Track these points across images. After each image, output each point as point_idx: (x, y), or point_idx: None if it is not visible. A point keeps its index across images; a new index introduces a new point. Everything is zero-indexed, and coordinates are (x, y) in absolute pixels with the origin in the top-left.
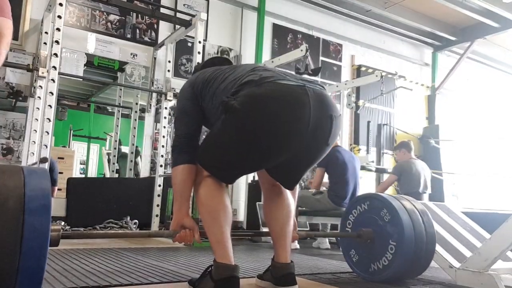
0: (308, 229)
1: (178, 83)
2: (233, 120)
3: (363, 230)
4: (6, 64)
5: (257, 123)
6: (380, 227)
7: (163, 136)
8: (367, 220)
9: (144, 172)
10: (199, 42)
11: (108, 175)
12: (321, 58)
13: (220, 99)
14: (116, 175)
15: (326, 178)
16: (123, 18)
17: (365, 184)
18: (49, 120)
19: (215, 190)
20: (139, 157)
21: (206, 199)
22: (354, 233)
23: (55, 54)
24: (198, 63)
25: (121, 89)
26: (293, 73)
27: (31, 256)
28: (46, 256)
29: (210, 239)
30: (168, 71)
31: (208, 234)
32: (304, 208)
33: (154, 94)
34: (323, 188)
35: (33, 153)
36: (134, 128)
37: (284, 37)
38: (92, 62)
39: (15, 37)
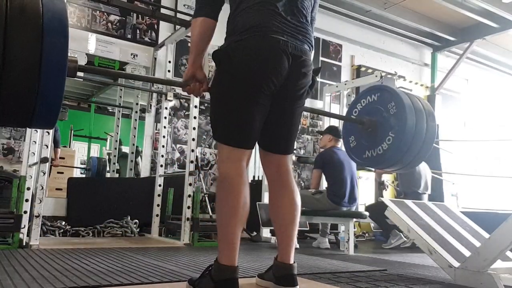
0: (307, 228)
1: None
2: (225, 68)
3: (367, 118)
4: None
5: (244, 67)
6: (384, 118)
7: (163, 136)
8: (373, 110)
9: (144, 172)
10: None
11: (108, 175)
12: (321, 58)
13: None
14: (117, 175)
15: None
16: (124, 18)
17: (365, 184)
18: None
19: (237, 185)
20: (139, 157)
21: (226, 194)
22: (358, 119)
23: None
24: None
25: (121, 89)
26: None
27: (52, 75)
28: (65, 79)
29: (221, 237)
30: (169, 71)
31: (221, 232)
32: (304, 208)
33: (155, 94)
34: (322, 188)
35: (33, 153)
36: (135, 128)
37: None
38: (92, 62)
39: None
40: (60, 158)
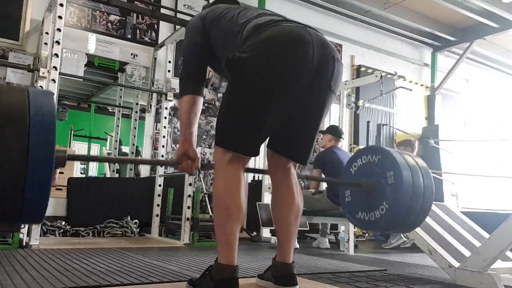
0: (307, 228)
1: (178, 83)
2: (243, 70)
3: (364, 180)
4: (7, 64)
5: (265, 61)
6: (381, 185)
7: (163, 136)
8: (371, 172)
9: (144, 172)
10: None
11: (108, 175)
12: None
13: (228, 38)
14: (117, 175)
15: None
16: (124, 18)
17: None
18: None
19: (235, 185)
20: (139, 157)
21: (223, 194)
22: (355, 182)
23: (56, 55)
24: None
25: (121, 89)
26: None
27: (38, 173)
28: (52, 171)
29: (219, 237)
30: (169, 71)
31: (218, 232)
32: (303, 208)
33: (155, 94)
34: (322, 188)
35: None
36: (135, 128)
37: None
38: (92, 62)
39: (16, 37)
40: None
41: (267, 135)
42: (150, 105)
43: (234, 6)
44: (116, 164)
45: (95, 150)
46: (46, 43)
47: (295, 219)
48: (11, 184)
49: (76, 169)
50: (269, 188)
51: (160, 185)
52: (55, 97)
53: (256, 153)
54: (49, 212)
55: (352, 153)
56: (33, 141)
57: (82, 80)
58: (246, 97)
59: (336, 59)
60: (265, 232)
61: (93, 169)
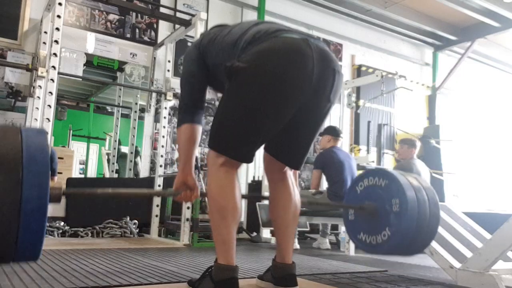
0: (308, 229)
1: (178, 83)
2: (240, 80)
3: (367, 204)
4: (5, 63)
5: (263, 74)
6: (385, 211)
7: (163, 136)
8: (377, 196)
9: (143, 172)
10: None
11: (107, 175)
12: None
13: (225, 52)
14: (116, 175)
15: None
16: (123, 17)
17: None
18: (49, 120)
19: (228, 186)
20: (138, 157)
21: (217, 195)
22: (358, 206)
23: (55, 54)
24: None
25: (120, 89)
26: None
27: (31, 218)
28: (46, 219)
29: (216, 238)
30: (168, 71)
31: (214, 233)
32: (304, 208)
33: (154, 94)
34: (322, 188)
35: None
36: (134, 128)
37: None
38: (91, 61)
39: (14, 36)
40: (59, 158)
41: (262, 143)
42: (150, 105)
43: (229, 24)
44: (115, 164)
45: (94, 150)
46: (44, 43)
47: (293, 219)
48: (4, 231)
49: (75, 170)
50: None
51: (159, 185)
52: (54, 97)
53: (249, 160)
54: (48, 212)
55: (353, 154)
56: (26, 192)
57: (81, 79)
58: (243, 106)
59: (336, 71)
60: (265, 233)
61: (92, 169)
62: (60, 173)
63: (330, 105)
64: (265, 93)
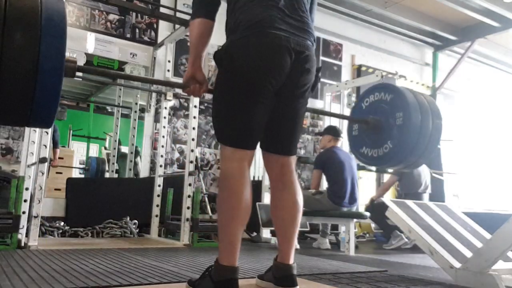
0: (308, 229)
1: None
2: (228, 66)
3: (371, 118)
4: None
5: (246, 64)
6: (388, 124)
7: (163, 136)
8: (382, 111)
9: (143, 172)
10: None
11: (107, 175)
12: (321, 57)
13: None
14: (116, 175)
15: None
16: (123, 17)
17: (366, 184)
18: None
19: (239, 186)
20: (138, 157)
21: (227, 195)
22: (363, 119)
23: None
24: None
25: (120, 89)
26: (288, 12)
27: (48, 74)
28: (62, 79)
29: (222, 238)
30: (168, 71)
31: (221, 233)
32: (304, 208)
33: (154, 94)
34: (322, 188)
35: (32, 153)
36: (134, 128)
37: None
38: (91, 61)
39: None
40: (59, 158)
41: (258, 129)
42: (150, 105)
43: None
44: (116, 164)
45: (94, 150)
46: None
47: (294, 219)
48: (22, 89)
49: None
50: (269, 188)
51: (159, 185)
52: None
53: (252, 146)
54: (47, 212)
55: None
56: (44, 49)
57: (81, 79)
58: (232, 91)
59: (307, 70)
60: (265, 233)
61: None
62: (60, 173)
63: (302, 101)
64: (245, 78)
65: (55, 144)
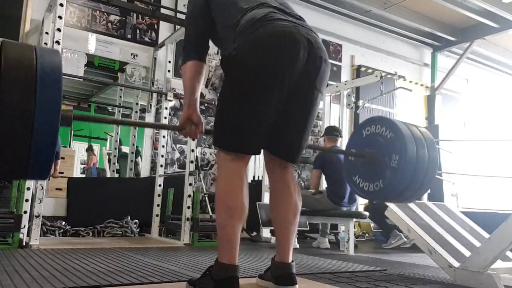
0: (307, 228)
1: (179, 83)
2: (235, 67)
3: (367, 151)
4: None
5: (252, 60)
6: (383, 163)
7: (163, 136)
8: (379, 146)
9: (144, 172)
10: None
11: (108, 175)
12: None
13: (226, 22)
14: (117, 175)
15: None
16: (124, 18)
17: None
18: None
19: (236, 186)
20: (139, 157)
21: (225, 193)
22: (359, 152)
23: None
24: None
25: (121, 89)
26: (288, 10)
27: (45, 126)
28: (58, 129)
29: (220, 236)
30: (169, 71)
31: (220, 231)
32: (303, 208)
33: (155, 94)
34: (322, 188)
35: None
36: (135, 128)
37: None
38: (92, 62)
39: (16, 37)
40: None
41: (263, 133)
42: (150, 105)
43: None
44: (116, 164)
45: (95, 150)
46: (46, 43)
47: (293, 218)
48: (17, 144)
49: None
50: (269, 188)
51: (160, 185)
52: None
53: (256, 151)
54: (49, 212)
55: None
56: (40, 104)
57: (82, 80)
58: (236, 95)
59: (323, 59)
60: (265, 232)
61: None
62: (62, 172)
63: (317, 93)
64: (254, 77)
65: (56, 156)
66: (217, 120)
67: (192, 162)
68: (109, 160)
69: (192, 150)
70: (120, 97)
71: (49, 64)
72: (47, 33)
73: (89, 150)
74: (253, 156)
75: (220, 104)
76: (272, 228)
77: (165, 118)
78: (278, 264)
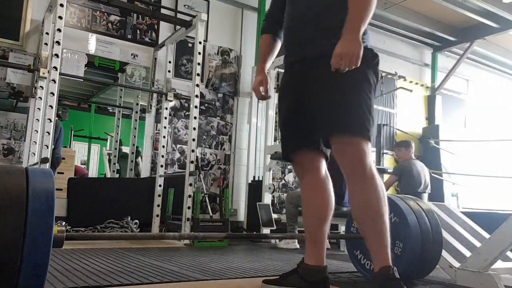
0: None
1: (179, 84)
2: (372, 58)
3: None
4: (7, 64)
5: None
6: None
7: (164, 137)
8: None
9: (144, 172)
10: (200, 42)
11: (108, 175)
12: None
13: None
14: (117, 175)
15: None
16: (124, 18)
17: None
18: (50, 121)
19: (312, 185)
20: (139, 157)
21: (305, 196)
22: (359, 235)
23: (56, 55)
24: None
25: (121, 90)
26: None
27: (34, 255)
28: (49, 256)
29: (308, 237)
30: (169, 71)
31: (307, 232)
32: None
33: (155, 95)
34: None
35: (34, 154)
36: (135, 128)
37: None
38: (92, 62)
39: (16, 37)
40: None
41: (291, 130)
42: (150, 105)
43: None
44: (117, 164)
45: (95, 150)
46: (46, 44)
47: (328, 215)
48: (7, 269)
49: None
50: (269, 188)
51: (160, 185)
52: (55, 97)
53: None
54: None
55: None
56: (30, 231)
57: (82, 80)
58: (374, 88)
59: (315, 92)
60: (265, 233)
61: (93, 170)
62: (62, 173)
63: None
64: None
65: (57, 160)
66: (356, 108)
67: (192, 162)
68: (109, 160)
69: (192, 151)
70: (120, 97)
71: (41, 190)
72: (47, 33)
73: None
74: (253, 156)
75: (357, 93)
76: (272, 228)
77: (166, 118)
78: (313, 267)
